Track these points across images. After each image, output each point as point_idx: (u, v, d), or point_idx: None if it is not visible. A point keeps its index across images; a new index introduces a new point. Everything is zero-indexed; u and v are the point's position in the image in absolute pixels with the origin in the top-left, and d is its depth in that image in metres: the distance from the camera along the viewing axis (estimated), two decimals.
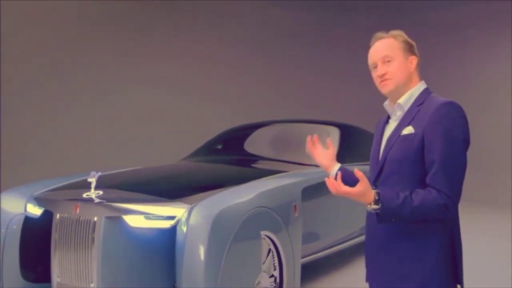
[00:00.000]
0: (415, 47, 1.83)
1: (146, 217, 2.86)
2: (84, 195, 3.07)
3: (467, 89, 9.18)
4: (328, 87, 10.16)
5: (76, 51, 7.87)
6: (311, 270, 4.27)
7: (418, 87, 1.81)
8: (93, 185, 3.10)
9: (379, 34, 1.84)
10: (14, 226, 3.33)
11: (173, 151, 6.03)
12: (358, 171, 1.59)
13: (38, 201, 3.30)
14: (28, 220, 3.34)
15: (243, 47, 9.50)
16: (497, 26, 9.12)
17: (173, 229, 2.81)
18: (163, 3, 8.65)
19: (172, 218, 2.84)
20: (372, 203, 1.61)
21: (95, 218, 2.85)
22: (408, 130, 1.72)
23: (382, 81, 1.79)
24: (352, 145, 4.72)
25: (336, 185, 1.61)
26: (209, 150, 4.97)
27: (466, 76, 9.55)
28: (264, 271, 3.16)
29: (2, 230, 3.31)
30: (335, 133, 4.61)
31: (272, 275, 3.26)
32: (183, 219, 2.78)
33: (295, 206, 3.43)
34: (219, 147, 5.01)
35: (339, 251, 4.31)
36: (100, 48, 8.09)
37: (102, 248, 2.80)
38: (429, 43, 9.17)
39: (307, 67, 10.09)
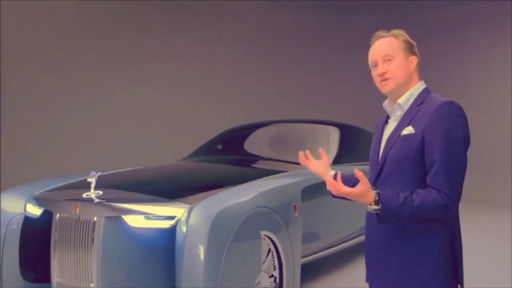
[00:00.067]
0: (416, 47, 1.83)
1: (146, 217, 2.86)
2: (84, 195, 3.06)
3: (467, 89, 9.18)
4: (328, 87, 10.15)
5: (76, 51, 7.87)
6: (311, 270, 4.27)
7: (418, 86, 1.81)
8: (92, 185, 3.10)
9: (380, 33, 1.84)
10: (14, 226, 3.33)
11: (173, 151, 6.03)
12: (358, 171, 1.58)
13: (38, 201, 3.30)
14: (28, 220, 3.34)
15: (243, 47, 9.50)
16: (497, 26, 9.12)
17: (173, 229, 2.80)
18: (163, 3, 8.65)
19: (171, 218, 2.84)
20: (373, 203, 1.61)
21: (95, 218, 2.85)
22: (408, 130, 1.71)
23: (382, 80, 1.78)
24: (352, 145, 4.71)
25: (336, 186, 1.61)
26: (209, 150, 4.97)
27: (466, 76, 9.55)
28: (264, 271, 3.16)
29: (2, 230, 3.31)
30: (335, 133, 4.60)
31: (272, 275, 3.26)
32: (183, 219, 2.78)
33: (295, 206, 3.43)
34: (219, 147, 5.01)
35: (339, 251, 4.31)
36: (100, 48, 8.09)
37: (102, 248, 2.79)
38: (429, 43, 9.16)
39: (307, 67, 10.09)
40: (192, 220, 2.73)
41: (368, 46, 1.85)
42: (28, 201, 3.36)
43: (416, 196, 1.62)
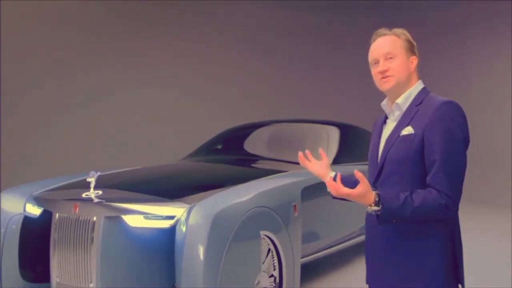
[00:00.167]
0: (416, 47, 1.82)
1: (146, 217, 2.86)
2: (83, 195, 3.06)
3: (467, 89, 9.18)
4: (328, 87, 10.15)
5: (76, 51, 7.87)
6: (311, 270, 4.26)
7: (416, 86, 1.80)
8: (92, 185, 3.09)
9: (381, 30, 1.82)
10: (14, 226, 3.32)
11: (173, 151, 6.03)
12: (358, 172, 1.57)
13: (37, 201, 3.30)
14: (27, 220, 3.34)
15: (243, 47, 9.50)
16: (497, 26, 9.12)
17: (173, 229, 2.80)
18: (163, 3, 8.65)
19: (171, 218, 2.84)
20: (373, 204, 1.60)
21: (94, 218, 2.85)
22: (408, 130, 1.70)
23: (383, 77, 1.77)
24: (352, 145, 4.71)
25: (336, 187, 1.60)
26: (209, 150, 4.97)
27: (466, 76, 9.55)
28: (264, 271, 3.16)
29: (2, 230, 3.31)
30: (335, 133, 4.60)
31: (272, 275, 3.25)
32: (183, 219, 2.77)
33: (294, 206, 3.42)
34: (219, 147, 5.01)
35: (339, 251, 4.31)
36: (100, 48, 8.09)
37: (101, 248, 2.79)
38: (429, 43, 9.17)
39: (307, 67, 10.09)
40: (191, 220, 2.73)
41: (368, 46, 1.84)
42: (27, 201, 3.36)
43: (416, 196, 1.61)
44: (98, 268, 2.78)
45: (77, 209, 2.94)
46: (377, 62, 1.78)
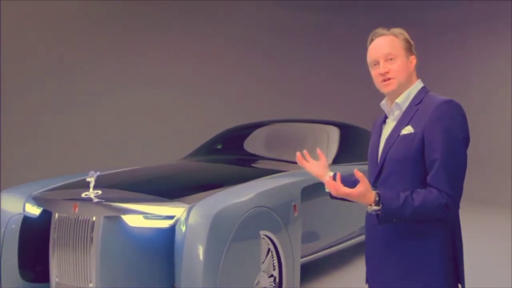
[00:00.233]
0: (413, 47, 1.81)
1: (145, 216, 2.85)
2: (83, 195, 3.06)
3: (467, 89, 9.18)
4: (328, 87, 10.15)
5: (76, 50, 7.86)
6: (311, 270, 4.26)
7: (416, 85, 1.79)
8: (91, 185, 3.09)
9: (379, 30, 1.80)
10: (13, 226, 3.32)
11: (173, 151, 6.03)
12: (357, 171, 1.57)
13: (37, 200, 3.29)
14: (27, 220, 3.33)
15: (243, 47, 9.50)
16: (497, 26, 9.12)
17: (172, 229, 2.80)
18: (163, 3, 8.65)
19: (171, 217, 2.84)
20: (373, 204, 1.59)
21: (94, 218, 2.85)
22: (408, 130, 1.70)
23: (384, 80, 1.75)
24: (352, 145, 4.71)
25: (336, 186, 1.59)
26: (209, 149, 4.97)
27: (466, 76, 9.54)
28: (264, 271, 3.16)
29: (1, 230, 3.31)
30: (335, 133, 4.60)
31: (272, 275, 3.25)
32: (182, 218, 2.77)
33: (294, 205, 3.42)
34: (219, 147, 5.01)
35: (339, 251, 4.31)
36: (100, 48, 8.09)
37: (101, 248, 2.79)
38: (429, 43, 9.17)
39: (307, 67, 10.09)
40: (191, 219, 2.73)
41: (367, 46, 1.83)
42: (27, 200, 3.35)
43: (417, 196, 1.61)
44: (97, 268, 2.78)
45: (77, 209, 2.94)
46: (377, 63, 1.77)
